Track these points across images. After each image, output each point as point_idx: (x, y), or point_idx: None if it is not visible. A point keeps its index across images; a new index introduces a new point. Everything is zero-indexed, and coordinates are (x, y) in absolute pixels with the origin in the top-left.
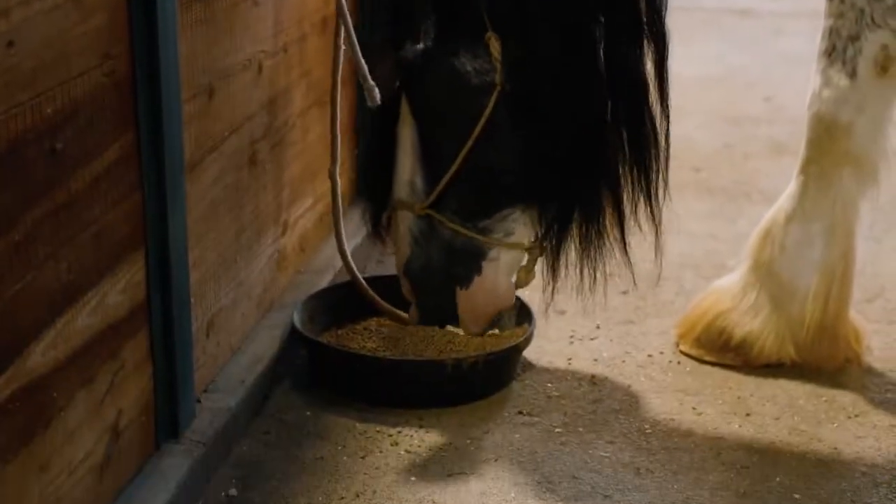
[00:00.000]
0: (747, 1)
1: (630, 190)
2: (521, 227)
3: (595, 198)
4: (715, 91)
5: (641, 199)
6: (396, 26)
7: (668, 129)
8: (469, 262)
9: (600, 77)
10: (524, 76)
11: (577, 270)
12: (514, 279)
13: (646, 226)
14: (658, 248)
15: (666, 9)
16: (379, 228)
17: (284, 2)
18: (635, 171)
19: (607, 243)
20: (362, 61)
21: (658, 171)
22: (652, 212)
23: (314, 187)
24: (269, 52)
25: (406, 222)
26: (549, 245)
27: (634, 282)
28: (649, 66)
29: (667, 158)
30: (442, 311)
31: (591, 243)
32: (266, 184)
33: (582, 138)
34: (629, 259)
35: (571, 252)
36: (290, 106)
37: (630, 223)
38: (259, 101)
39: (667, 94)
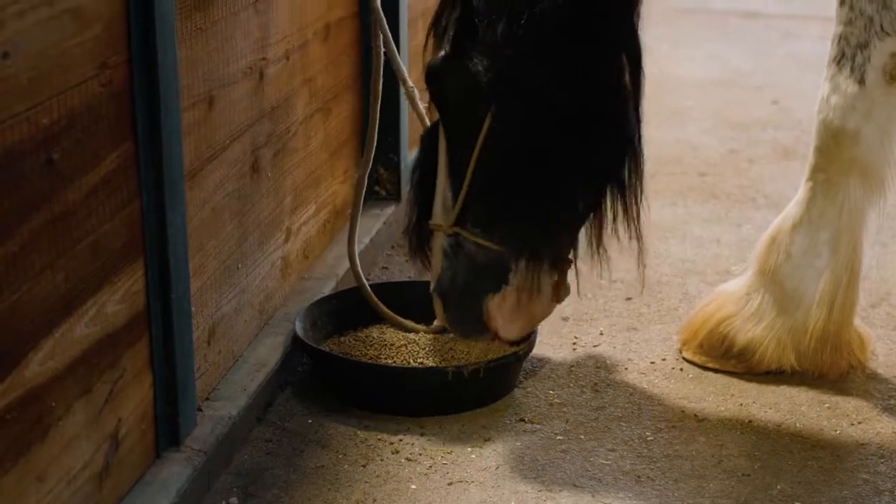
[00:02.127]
0: (755, 3)
1: (610, 203)
2: None
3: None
4: (721, 94)
5: (620, 213)
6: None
7: (642, 145)
8: (499, 275)
9: (579, 89)
10: (511, 85)
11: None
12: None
13: (625, 240)
14: (640, 263)
15: (639, 21)
16: (425, 251)
17: (286, 9)
18: (615, 187)
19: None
20: (401, 64)
21: (634, 185)
22: (630, 226)
23: (317, 194)
24: (271, 59)
25: (439, 241)
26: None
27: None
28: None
29: (642, 172)
30: (471, 325)
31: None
32: (268, 191)
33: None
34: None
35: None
36: (292, 113)
37: (608, 235)
38: (261, 108)
39: (640, 107)
